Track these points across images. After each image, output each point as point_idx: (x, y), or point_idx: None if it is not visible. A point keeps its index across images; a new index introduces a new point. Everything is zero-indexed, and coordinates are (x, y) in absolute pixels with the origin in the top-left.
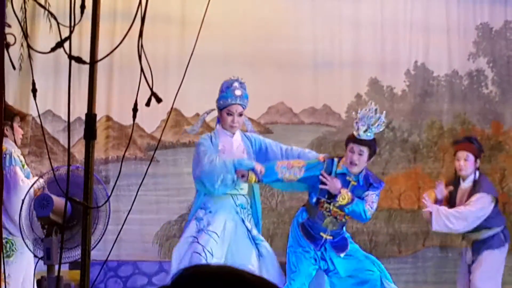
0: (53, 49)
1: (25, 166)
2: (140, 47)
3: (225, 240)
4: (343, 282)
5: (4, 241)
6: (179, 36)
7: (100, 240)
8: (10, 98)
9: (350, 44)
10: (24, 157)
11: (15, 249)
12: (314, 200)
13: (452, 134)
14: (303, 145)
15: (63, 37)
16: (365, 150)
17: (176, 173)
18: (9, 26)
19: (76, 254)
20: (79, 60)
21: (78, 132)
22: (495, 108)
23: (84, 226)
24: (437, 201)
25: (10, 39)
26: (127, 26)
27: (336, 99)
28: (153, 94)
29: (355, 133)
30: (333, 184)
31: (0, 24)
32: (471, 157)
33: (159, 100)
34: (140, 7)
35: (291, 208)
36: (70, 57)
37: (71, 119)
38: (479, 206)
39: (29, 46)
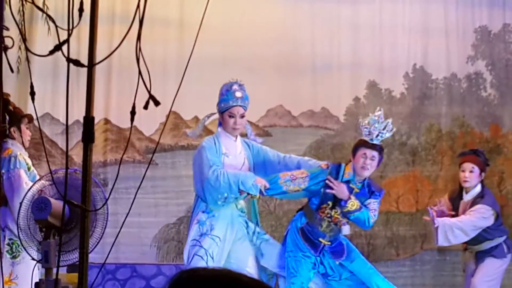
0: (51, 52)
1: (31, 169)
2: (138, 50)
3: (226, 244)
4: (341, 285)
5: (10, 242)
6: (178, 39)
7: (98, 243)
8: None
9: (348, 47)
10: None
11: (21, 250)
12: (316, 204)
13: (450, 137)
14: (301, 148)
15: (61, 40)
16: (377, 156)
17: (175, 176)
18: (7, 29)
19: (74, 257)
20: (77, 63)
21: (77, 135)
22: (494, 111)
23: (82, 229)
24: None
25: (8, 42)
26: (125, 29)
27: (334, 102)
28: (151, 97)
29: (366, 138)
30: (341, 189)
31: None
32: (476, 170)
33: (157, 103)
34: (138, 10)
35: (289, 211)
36: (68, 60)
37: (70, 122)
38: (479, 216)
39: (27, 49)
